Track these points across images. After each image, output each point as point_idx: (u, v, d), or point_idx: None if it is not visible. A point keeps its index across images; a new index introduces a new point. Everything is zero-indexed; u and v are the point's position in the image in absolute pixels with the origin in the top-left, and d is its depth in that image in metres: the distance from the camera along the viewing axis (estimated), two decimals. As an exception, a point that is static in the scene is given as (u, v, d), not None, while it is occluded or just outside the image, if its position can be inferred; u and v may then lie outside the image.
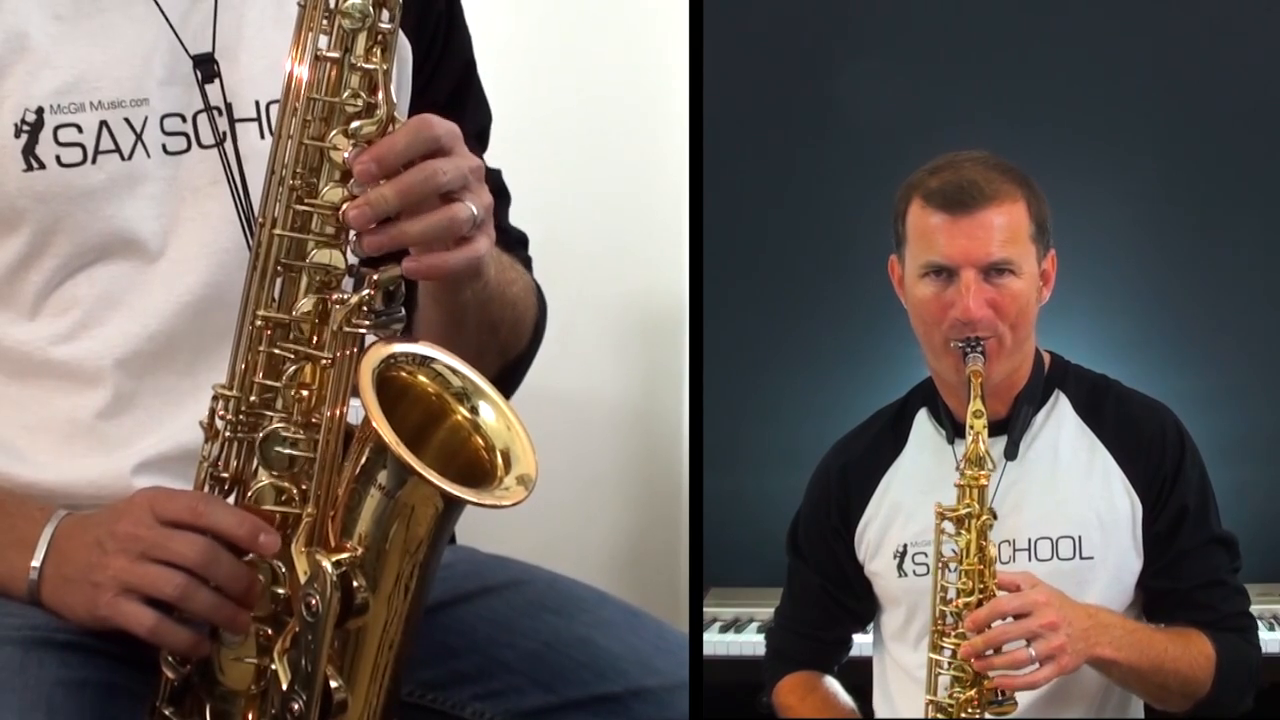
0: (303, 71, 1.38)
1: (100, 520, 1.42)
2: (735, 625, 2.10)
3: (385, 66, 1.37)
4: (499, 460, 1.41)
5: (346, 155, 1.36)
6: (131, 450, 1.52)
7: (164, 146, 1.52)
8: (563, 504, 2.33)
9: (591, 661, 1.59)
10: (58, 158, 1.48)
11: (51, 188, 1.48)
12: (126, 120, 1.50)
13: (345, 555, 1.35)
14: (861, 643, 1.73)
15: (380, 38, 1.37)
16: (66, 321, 1.52)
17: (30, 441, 1.53)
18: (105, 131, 1.49)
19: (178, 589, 1.36)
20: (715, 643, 2.06)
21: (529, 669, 1.59)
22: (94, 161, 1.49)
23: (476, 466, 1.41)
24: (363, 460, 1.36)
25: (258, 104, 1.54)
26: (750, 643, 2.05)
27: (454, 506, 1.37)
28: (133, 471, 1.51)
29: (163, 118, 1.51)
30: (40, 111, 1.48)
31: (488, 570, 1.67)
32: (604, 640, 1.60)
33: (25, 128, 1.48)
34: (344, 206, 1.36)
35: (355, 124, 1.36)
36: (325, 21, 1.37)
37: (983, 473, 1.51)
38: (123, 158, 1.50)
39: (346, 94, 1.37)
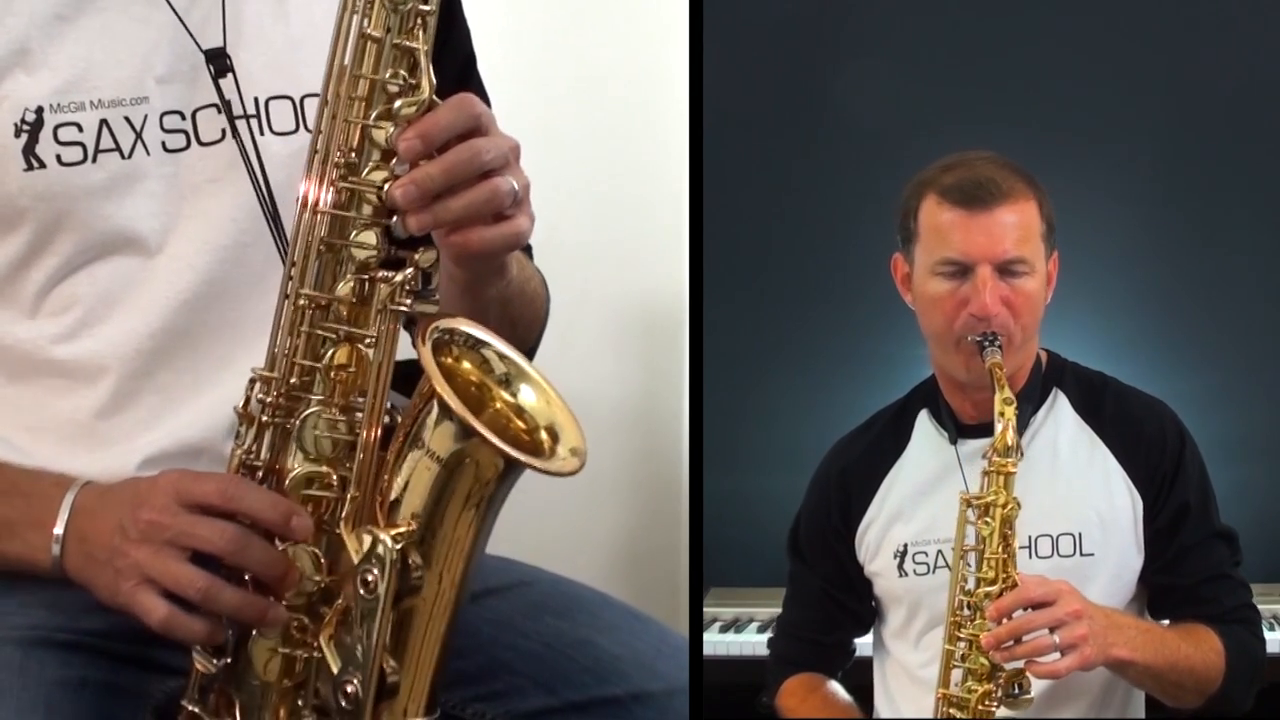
0: (345, 51, 1.36)
1: (123, 500, 1.39)
2: (735, 625, 2.10)
3: (426, 46, 1.36)
4: (544, 437, 1.38)
5: (389, 135, 1.35)
6: (133, 446, 1.51)
7: (164, 144, 1.51)
8: (563, 504, 2.33)
9: (593, 664, 1.58)
10: (58, 157, 1.47)
11: (52, 187, 1.48)
12: (126, 119, 1.49)
13: (402, 529, 1.32)
14: (863, 643, 1.73)
15: (421, 19, 1.36)
16: (67, 320, 1.51)
17: (31, 441, 1.52)
18: (105, 130, 1.49)
19: (200, 591, 1.33)
20: (715, 643, 2.06)
21: (530, 670, 1.59)
22: (94, 160, 1.48)
23: (522, 446, 1.37)
24: (418, 429, 1.32)
25: (257, 100, 1.54)
26: (750, 643, 2.05)
27: (512, 472, 1.33)
28: (137, 468, 1.49)
29: (162, 115, 1.51)
30: (40, 111, 1.47)
31: (490, 571, 1.66)
32: (605, 643, 1.60)
33: (25, 127, 1.47)
34: (388, 186, 1.35)
35: (396, 104, 1.35)
36: (365, 4, 1.36)
37: (1010, 461, 1.50)
38: (123, 156, 1.49)
39: (388, 74, 1.36)
